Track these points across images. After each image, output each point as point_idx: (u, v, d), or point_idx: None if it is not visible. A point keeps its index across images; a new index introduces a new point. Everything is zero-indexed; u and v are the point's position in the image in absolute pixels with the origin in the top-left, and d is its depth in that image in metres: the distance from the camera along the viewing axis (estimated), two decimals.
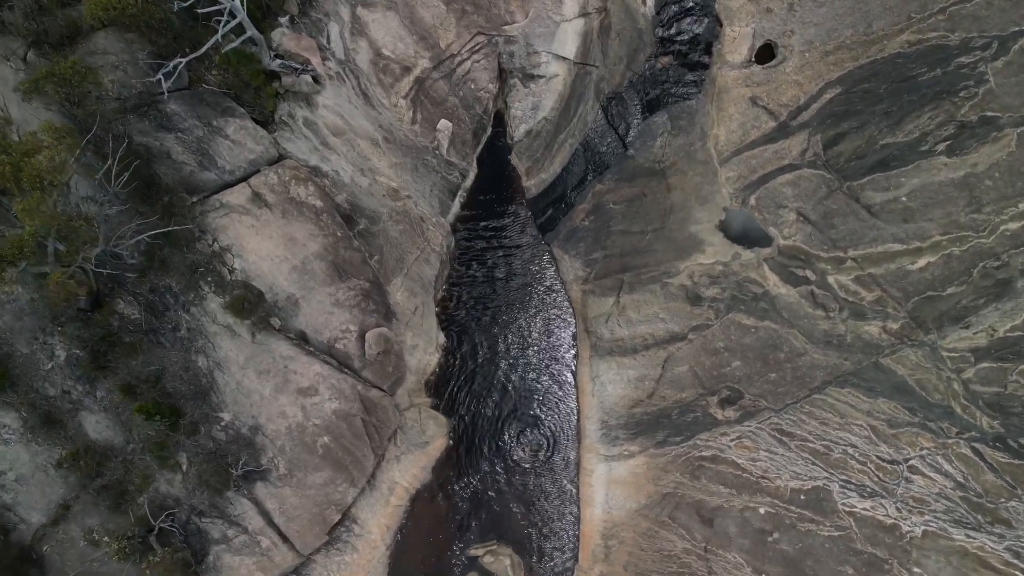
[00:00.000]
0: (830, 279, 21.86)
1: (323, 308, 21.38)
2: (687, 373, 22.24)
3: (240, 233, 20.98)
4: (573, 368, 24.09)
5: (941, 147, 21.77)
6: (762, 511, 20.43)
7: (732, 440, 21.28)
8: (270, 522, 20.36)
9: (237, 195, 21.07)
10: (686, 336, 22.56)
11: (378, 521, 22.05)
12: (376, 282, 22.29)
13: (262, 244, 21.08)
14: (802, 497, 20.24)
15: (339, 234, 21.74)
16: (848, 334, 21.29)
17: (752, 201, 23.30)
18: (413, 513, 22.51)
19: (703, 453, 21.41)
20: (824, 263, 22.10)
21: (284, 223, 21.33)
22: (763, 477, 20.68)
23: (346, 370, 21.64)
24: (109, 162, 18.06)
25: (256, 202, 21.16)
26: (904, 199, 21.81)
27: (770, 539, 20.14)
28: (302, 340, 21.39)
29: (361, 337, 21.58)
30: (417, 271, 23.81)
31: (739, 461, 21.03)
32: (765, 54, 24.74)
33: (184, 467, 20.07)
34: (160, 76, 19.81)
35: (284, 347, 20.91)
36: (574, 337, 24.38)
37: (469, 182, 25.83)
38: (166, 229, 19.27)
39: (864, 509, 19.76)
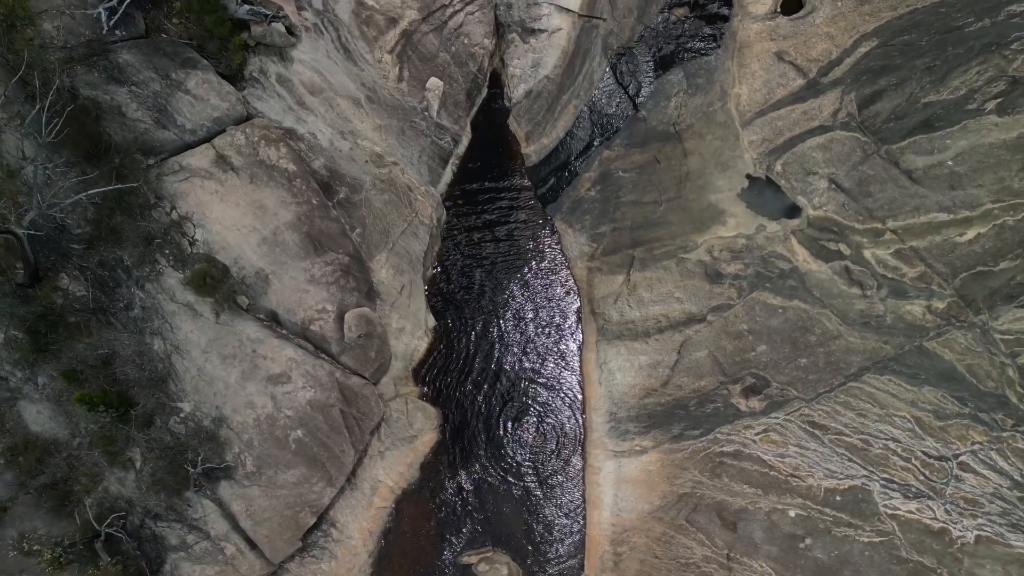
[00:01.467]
0: (867, 253, 19.89)
1: (297, 285, 19.40)
2: (706, 359, 20.30)
3: (202, 200, 18.99)
4: (578, 354, 22.15)
5: (991, 105, 19.77)
6: (792, 514, 18.49)
7: (757, 434, 19.34)
8: (235, 526, 18.42)
9: (199, 157, 19.07)
10: (705, 317, 20.61)
11: (360, 525, 20.11)
12: (357, 257, 20.30)
13: (227, 212, 19.09)
14: (838, 498, 18.31)
15: (315, 202, 19.75)
16: (888, 315, 19.32)
17: (778, 167, 21.34)
18: (399, 515, 20.59)
19: (724, 448, 19.47)
20: (860, 235, 20.15)
21: (252, 189, 19.34)
22: (793, 475, 18.74)
23: (323, 355, 19.68)
24: (38, 106, 15.97)
25: (220, 165, 19.16)
26: (950, 163, 19.82)
27: (802, 546, 18.20)
28: (273, 321, 19.43)
29: (340, 318, 19.61)
30: (404, 246, 21.82)
31: (765, 457, 19.09)
32: (792, 4, 22.73)
33: (137, 464, 18.10)
34: (102, 10, 17.72)
35: (252, 329, 18.95)
36: (579, 320, 22.44)
37: (462, 148, 23.85)
38: (107, 188, 17.15)
39: (909, 512, 17.82)
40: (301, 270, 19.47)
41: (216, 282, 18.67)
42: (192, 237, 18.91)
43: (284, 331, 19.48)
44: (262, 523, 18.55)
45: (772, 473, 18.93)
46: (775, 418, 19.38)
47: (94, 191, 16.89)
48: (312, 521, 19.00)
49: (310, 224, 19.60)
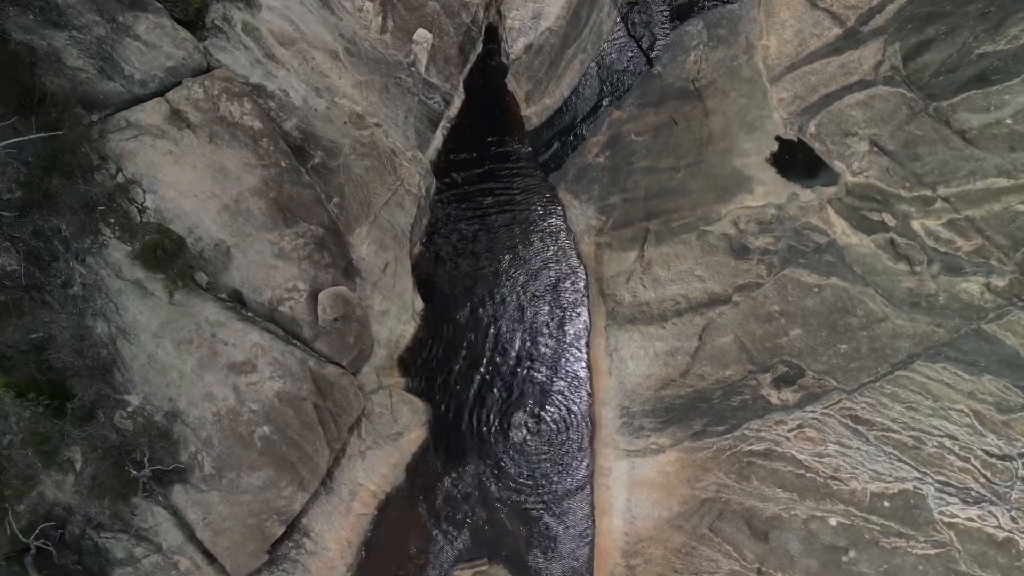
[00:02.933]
0: (915, 224, 17.91)
1: (263, 260, 17.33)
2: (732, 345, 18.26)
3: (153, 161, 16.87)
4: (585, 341, 20.11)
5: None
6: (833, 522, 16.48)
7: (791, 430, 17.31)
8: (191, 537, 16.38)
9: (150, 113, 16.93)
10: (730, 298, 18.56)
11: (337, 534, 18.07)
12: (333, 229, 18.22)
13: (183, 176, 16.99)
14: (886, 504, 16.30)
15: (284, 164, 17.65)
16: (940, 293, 17.32)
17: (812, 128, 19.33)
18: (382, 524, 18.56)
19: (754, 447, 17.44)
20: (907, 204, 18.17)
21: (212, 149, 17.23)
22: (834, 478, 16.71)
23: (293, 340, 17.63)
24: None
25: (175, 122, 17.04)
26: (1009, 121, 17.83)
27: (845, 559, 16.19)
28: (236, 301, 17.36)
29: (313, 298, 17.53)
30: (388, 218, 19.74)
31: (801, 457, 17.06)
32: None
33: (77, 466, 16.05)
34: None
35: (212, 310, 16.88)
36: (586, 302, 20.41)
37: (454, 110, 21.78)
38: (31, 137, 15.04)
39: (968, 519, 15.82)
40: (268, 243, 17.38)
41: (169, 256, 16.59)
42: (141, 204, 16.80)
43: (249, 313, 17.41)
44: (222, 533, 16.49)
45: (809, 475, 16.90)
46: (812, 412, 17.35)
47: (11, 140, 14.77)
48: (281, 531, 16.94)
49: (278, 190, 17.50)
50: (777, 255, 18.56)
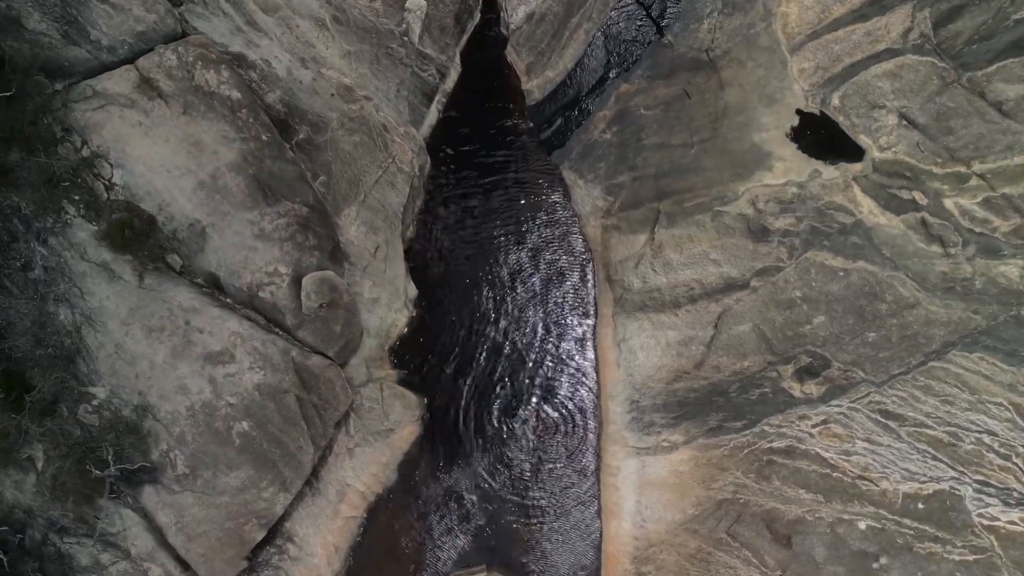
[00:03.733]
0: (948, 203, 16.72)
1: (242, 241, 16.19)
2: (750, 334, 17.10)
3: (122, 134, 15.76)
4: (591, 330, 18.97)
5: None
6: (863, 525, 15.33)
7: (815, 426, 16.16)
8: (162, 542, 15.29)
9: (118, 81, 15.79)
10: (748, 283, 17.40)
11: (323, 538, 16.97)
12: (319, 209, 17.07)
13: (154, 150, 15.86)
14: (920, 505, 15.15)
15: (265, 138, 16.50)
16: (977, 277, 16.15)
17: (836, 100, 18.11)
18: (372, 527, 17.48)
19: (775, 444, 16.29)
20: (939, 181, 16.97)
21: (186, 122, 16.08)
22: (862, 477, 15.57)
23: (275, 329, 16.50)
24: None
25: (146, 91, 15.91)
26: None
27: (876, 565, 15.05)
28: (212, 286, 16.26)
29: (296, 283, 16.39)
30: (378, 198, 18.58)
31: (826, 455, 15.91)
32: None
33: (39, 464, 14.93)
34: None
35: (185, 295, 15.75)
36: (593, 289, 19.25)
37: (450, 83, 20.57)
38: None
39: (1011, 522, 14.66)
40: (247, 223, 16.23)
41: (139, 236, 15.48)
42: (108, 180, 15.67)
43: (226, 299, 16.29)
44: (197, 538, 15.37)
45: (835, 475, 15.76)
46: (838, 406, 16.19)
47: None
48: (261, 535, 15.83)
49: (259, 166, 16.35)
50: (799, 237, 17.38)
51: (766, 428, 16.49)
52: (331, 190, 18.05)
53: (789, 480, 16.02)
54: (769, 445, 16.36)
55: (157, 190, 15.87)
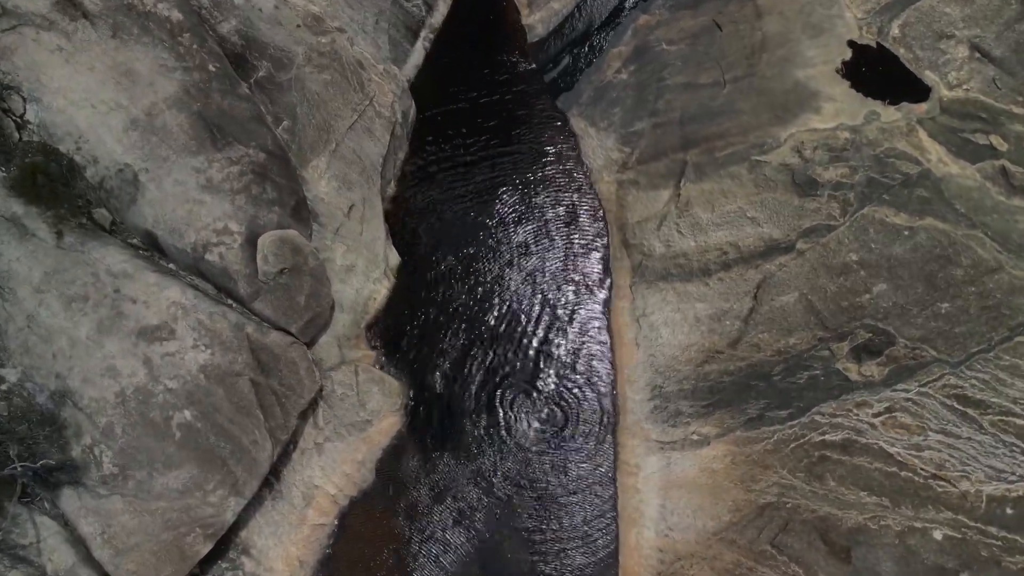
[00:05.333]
0: None
1: (184, 193, 13.78)
2: (797, 305, 14.72)
3: (38, 61, 13.40)
4: (604, 305, 16.58)
5: None
6: (939, 535, 12.95)
7: (878, 414, 13.77)
8: (86, 557, 12.89)
9: None
10: (794, 245, 15.01)
11: (285, 551, 14.57)
12: (280, 156, 14.68)
13: (77, 80, 13.49)
14: (1008, 511, 12.78)
15: (213, 68, 14.10)
16: None
17: (895, 30, 15.79)
18: (345, 537, 15.07)
19: (828, 437, 13.90)
20: (1020, 123, 14.70)
21: (116, 47, 13.70)
22: (937, 477, 13.18)
23: (226, 299, 14.13)
24: None
25: (66, 10, 13.54)
26: None
27: None
28: (149, 246, 13.88)
29: (251, 243, 13.99)
30: (353, 147, 16.18)
31: (892, 450, 13.52)
32: None
33: None
34: None
35: (115, 257, 13.37)
36: (605, 255, 16.86)
37: (439, 16, 18.32)
38: None
39: None
40: (191, 171, 13.82)
41: (56, 185, 13.10)
42: (21, 117, 13.28)
43: (166, 262, 13.90)
44: (127, 552, 12.97)
45: (904, 474, 13.37)
46: (904, 391, 13.80)
47: None
48: (207, 548, 13.39)
49: (204, 101, 13.95)
50: (854, 190, 15.00)
51: (817, 418, 14.08)
52: (296, 137, 15.65)
53: (847, 480, 13.62)
54: (821, 438, 13.96)
55: (80, 129, 13.46)
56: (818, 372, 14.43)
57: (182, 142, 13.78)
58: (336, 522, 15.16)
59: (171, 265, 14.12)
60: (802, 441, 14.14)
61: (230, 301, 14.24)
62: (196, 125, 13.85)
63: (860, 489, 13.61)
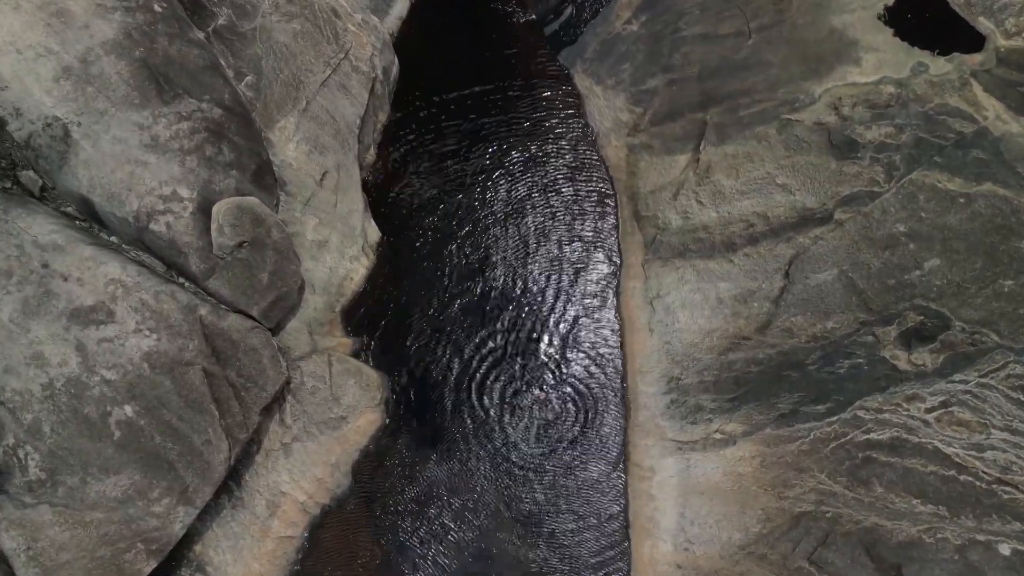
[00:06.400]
0: None
1: (126, 152, 12.09)
2: (835, 284, 13.05)
3: None
4: (612, 285, 14.91)
5: None
6: (1006, 549, 11.29)
7: (933, 409, 12.10)
8: (8, 575, 11.32)
9: None
10: (831, 215, 13.34)
11: (247, 567, 12.89)
12: (239, 112, 12.99)
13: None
14: None
15: (159, 9, 12.39)
16: None
17: None
18: (316, 551, 13.39)
19: (874, 435, 12.24)
20: None
21: None
22: (1003, 482, 11.53)
23: (175, 276, 12.45)
24: None
25: None
26: None
27: None
28: (84, 215, 12.21)
29: (204, 212, 12.30)
30: (326, 106, 14.49)
31: (950, 451, 11.86)
32: None
33: None
34: None
35: (43, 227, 11.67)
36: (614, 230, 15.19)
37: None
38: None
39: None
40: (133, 127, 12.13)
41: None
42: None
43: (105, 233, 12.22)
44: (57, 571, 11.28)
45: (964, 478, 11.72)
46: (962, 382, 12.13)
47: None
48: (150, 566, 11.68)
49: (149, 47, 12.25)
50: (900, 152, 13.33)
51: (861, 413, 12.42)
52: (261, 94, 13.95)
53: (897, 486, 11.97)
54: (866, 437, 12.30)
55: (3, 78, 11.75)
56: (861, 361, 12.72)
57: (122, 93, 12.08)
58: (305, 534, 13.44)
59: (113, 238, 12.50)
60: (843, 440, 12.47)
61: (181, 279, 12.55)
62: (139, 74, 12.15)
63: (912, 496, 11.95)
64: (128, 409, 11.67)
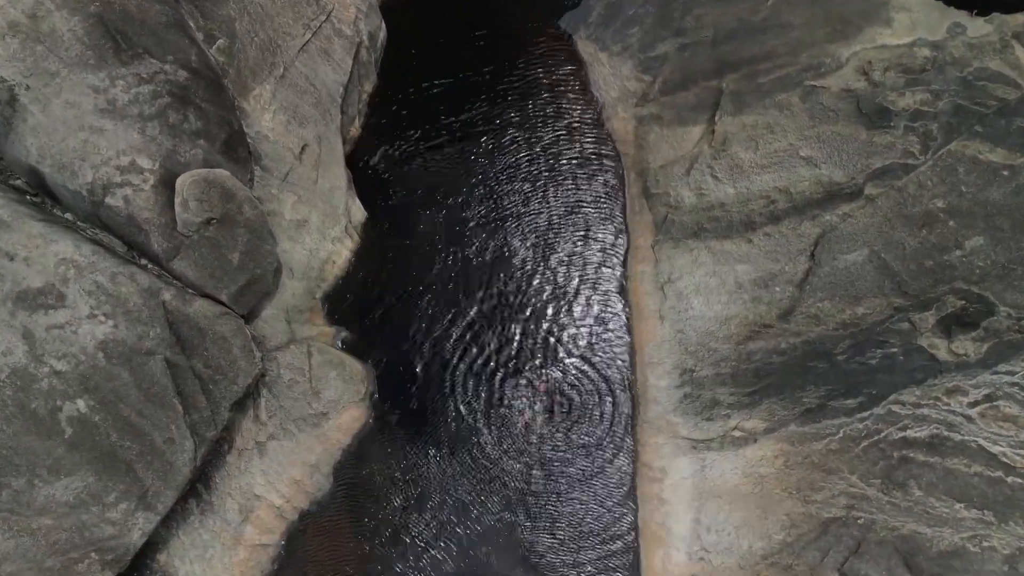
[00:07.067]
0: None
1: (79, 119, 11.05)
2: (867, 265, 12.01)
3: None
4: (619, 269, 13.86)
5: None
6: None
7: (976, 404, 11.05)
8: None
9: None
10: (861, 190, 12.28)
11: None
12: (207, 75, 11.93)
13: None
14: None
15: None
16: None
17: None
18: (294, 560, 12.37)
19: (911, 432, 11.20)
20: None
21: None
22: None
23: (135, 256, 11.41)
24: None
25: None
26: None
27: None
28: (35, 188, 11.15)
29: (167, 184, 11.24)
30: (306, 73, 13.43)
31: (995, 449, 10.80)
32: None
33: None
34: None
35: None
36: (621, 209, 14.14)
37: None
38: None
39: None
40: (88, 89, 11.07)
41: None
42: None
43: (61, 211, 11.17)
44: None
45: (1012, 479, 10.66)
46: (1008, 373, 11.07)
47: None
48: None
49: (106, 1, 11.20)
50: (937, 120, 12.27)
51: (896, 408, 11.37)
52: (234, 59, 12.88)
53: (937, 489, 10.92)
54: (902, 435, 11.25)
55: None
56: (896, 350, 11.67)
57: (76, 53, 11.01)
58: (282, 542, 12.39)
59: (68, 215, 11.46)
60: (877, 438, 11.40)
61: (143, 260, 11.54)
62: (94, 31, 11.07)
63: (955, 500, 10.89)
64: (81, 404, 10.61)
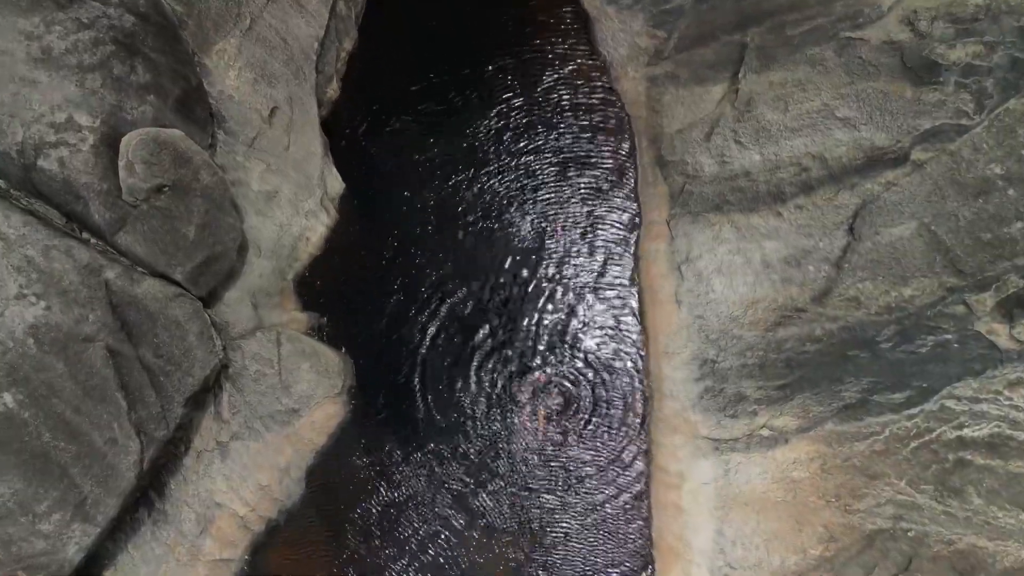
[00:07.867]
0: None
1: (8, 68, 9.77)
2: (914, 240, 10.76)
3: None
4: (630, 247, 12.59)
5: None
6: None
7: None
8: None
9: None
10: (907, 156, 11.03)
11: None
12: (159, 22, 10.66)
13: None
14: None
15: None
16: None
17: None
18: None
19: (968, 431, 9.97)
20: None
21: None
22: None
23: (73, 228, 10.12)
24: None
25: None
26: None
27: None
28: None
29: (110, 144, 9.95)
30: (275, 26, 12.15)
31: None
32: None
33: None
34: None
35: None
36: (632, 179, 12.86)
37: None
38: None
39: None
40: (19, 36, 9.78)
41: None
42: None
43: None
44: None
45: None
46: None
47: None
48: None
49: None
50: (992, 75, 11.03)
51: (950, 403, 10.15)
52: (194, 9, 11.57)
53: (999, 496, 9.68)
54: (957, 434, 10.01)
55: None
56: (949, 337, 10.42)
57: None
58: (246, 556, 11.14)
59: (0, 182, 10.20)
60: (928, 438, 10.16)
61: (84, 234, 10.26)
62: None
63: (1020, 509, 9.66)
64: (8, 398, 9.31)
